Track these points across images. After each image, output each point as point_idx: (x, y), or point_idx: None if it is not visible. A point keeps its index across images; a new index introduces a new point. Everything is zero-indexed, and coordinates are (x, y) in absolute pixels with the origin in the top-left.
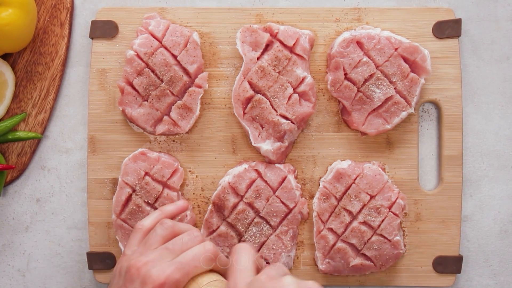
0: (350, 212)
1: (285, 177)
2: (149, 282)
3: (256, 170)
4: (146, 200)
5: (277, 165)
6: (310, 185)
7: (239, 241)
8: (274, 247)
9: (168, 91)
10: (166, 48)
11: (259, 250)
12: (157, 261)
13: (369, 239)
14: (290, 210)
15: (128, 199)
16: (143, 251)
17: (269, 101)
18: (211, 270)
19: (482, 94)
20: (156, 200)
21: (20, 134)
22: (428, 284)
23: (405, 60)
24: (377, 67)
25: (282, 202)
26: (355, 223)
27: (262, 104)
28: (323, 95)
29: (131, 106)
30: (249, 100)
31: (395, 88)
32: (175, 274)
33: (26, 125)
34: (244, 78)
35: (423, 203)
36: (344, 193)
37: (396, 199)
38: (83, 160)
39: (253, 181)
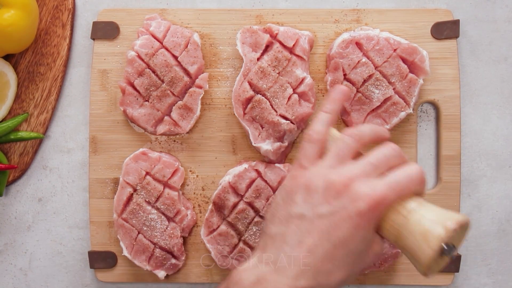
0: None
1: (285, 177)
2: (361, 199)
3: (256, 170)
4: (147, 200)
5: (277, 165)
6: None
7: (239, 240)
8: None
9: (168, 91)
10: (166, 49)
11: None
12: (364, 176)
13: None
14: None
15: (129, 198)
16: (335, 164)
17: (269, 101)
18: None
19: (480, 95)
20: (157, 199)
21: (22, 134)
22: (427, 283)
23: (404, 60)
24: (376, 67)
25: None
26: None
27: (262, 104)
28: (323, 96)
29: (132, 106)
30: (249, 100)
31: (394, 89)
32: (390, 194)
33: (28, 125)
34: (244, 79)
35: None
36: None
37: None
38: (85, 160)
39: (253, 181)
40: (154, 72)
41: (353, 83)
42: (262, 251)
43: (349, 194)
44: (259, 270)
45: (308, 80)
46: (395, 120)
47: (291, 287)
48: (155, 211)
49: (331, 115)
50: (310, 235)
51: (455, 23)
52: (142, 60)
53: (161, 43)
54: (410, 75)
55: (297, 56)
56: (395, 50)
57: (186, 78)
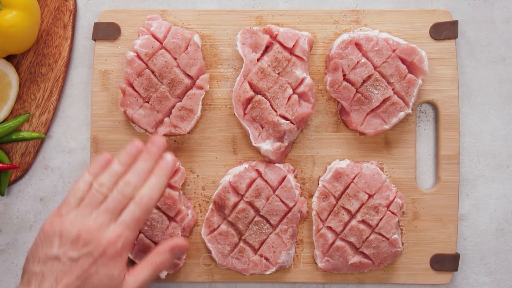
0: (348, 211)
1: (285, 177)
2: (102, 245)
3: (256, 170)
4: None
5: (277, 164)
6: (310, 185)
7: (240, 239)
8: (274, 245)
9: (168, 93)
10: (167, 50)
11: (259, 248)
12: (105, 224)
13: (367, 237)
14: (290, 209)
15: None
16: (86, 213)
17: (269, 101)
18: None
19: (478, 95)
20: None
21: (24, 134)
22: (426, 282)
23: (403, 61)
24: (375, 68)
25: (282, 201)
26: (353, 222)
27: (262, 104)
28: (322, 96)
29: (132, 107)
30: (249, 100)
31: (393, 89)
32: (125, 232)
33: (29, 125)
34: (245, 79)
35: (420, 202)
36: (343, 192)
37: (394, 198)
38: (86, 160)
39: (253, 181)
40: (153, 72)
41: (352, 84)
42: (27, 287)
43: (93, 242)
44: None
45: (308, 80)
46: (394, 120)
47: None
48: (156, 211)
49: (93, 177)
50: (65, 275)
51: (454, 24)
52: (142, 60)
53: (161, 43)
54: (409, 75)
55: (297, 56)
56: (394, 50)
57: (186, 80)
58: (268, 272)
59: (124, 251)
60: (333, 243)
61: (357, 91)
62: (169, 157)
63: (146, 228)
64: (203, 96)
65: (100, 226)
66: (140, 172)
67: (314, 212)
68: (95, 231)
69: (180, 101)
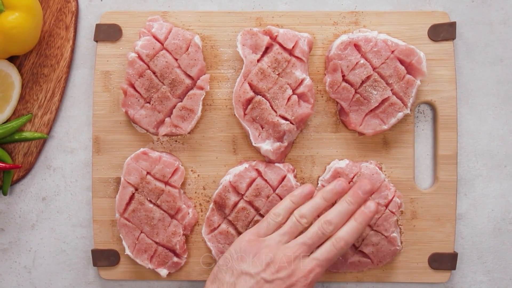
0: None
1: (285, 176)
2: (295, 275)
3: (256, 170)
4: (148, 199)
5: (276, 164)
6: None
7: None
8: None
9: (169, 94)
10: (168, 51)
11: None
12: (300, 254)
13: (366, 236)
14: None
15: (131, 198)
16: (283, 240)
17: (269, 102)
18: None
19: (476, 96)
20: (158, 197)
21: (26, 134)
22: (424, 280)
23: (401, 62)
24: (374, 69)
25: None
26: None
27: (262, 105)
28: (322, 96)
29: (134, 108)
30: (249, 101)
31: (391, 90)
32: (317, 268)
33: (32, 125)
34: (245, 80)
35: (419, 202)
36: None
37: (393, 197)
38: (88, 160)
39: (254, 180)
40: (154, 73)
41: (351, 84)
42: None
43: (287, 270)
44: None
45: (308, 81)
46: (392, 121)
47: None
48: (157, 209)
49: (295, 205)
50: None
51: (452, 25)
52: (143, 61)
53: (162, 44)
54: (408, 76)
55: (297, 57)
56: (392, 51)
57: (187, 81)
58: None
59: (311, 286)
60: None
61: (356, 92)
62: (372, 205)
63: (147, 227)
64: (203, 96)
65: (296, 257)
66: (343, 214)
67: None
68: (290, 260)
69: (181, 101)
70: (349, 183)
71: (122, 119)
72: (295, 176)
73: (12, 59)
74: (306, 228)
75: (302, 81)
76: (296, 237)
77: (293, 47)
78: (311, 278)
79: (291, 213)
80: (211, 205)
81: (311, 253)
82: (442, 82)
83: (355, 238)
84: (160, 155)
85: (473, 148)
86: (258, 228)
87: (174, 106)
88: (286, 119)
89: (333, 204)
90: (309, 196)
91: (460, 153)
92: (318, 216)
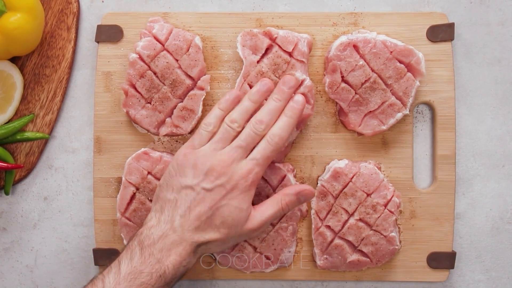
0: (346, 210)
1: (285, 176)
2: (234, 178)
3: None
4: (150, 198)
5: (276, 164)
6: (309, 184)
7: None
8: (274, 243)
9: (170, 94)
10: (168, 52)
11: (259, 246)
12: (237, 159)
13: (365, 235)
14: None
15: (132, 197)
16: (218, 148)
17: None
18: None
19: (474, 96)
20: None
21: (28, 134)
22: (423, 279)
23: (400, 63)
24: (373, 70)
25: None
26: (351, 220)
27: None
28: (321, 97)
29: (135, 108)
30: None
31: (390, 90)
32: (255, 168)
33: (34, 125)
34: (244, 81)
35: (417, 201)
36: (341, 191)
37: (392, 197)
38: (89, 160)
39: None
40: (155, 73)
41: (351, 85)
42: (160, 213)
43: (226, 175)
44: (162, 227)
45: (308, 82)
46: (391, 121)
47: (183, 240)
48: None
49: (224, 112)
50: (198, 203)
51: (450, 26)
52: (144, 61)
53: (163, 45)
54: (408, 74)
55: (296, 59)
56: (391, 52)
57: (187, 81)
58: (269, 270)
59: (253, 187)
60: (331, 241)
61: (355, 93)
62: (300, 98)
63: None
64: (204, 96)
65: (233, 161)
66: (272, 111)
67: (312, 211)
68: (228, 165)
69: (182, 101)
70: (348, 183)
71: (123, 119)
72: (294, 176)
73: (14, 59)
74: (239, 133)
75: (302, 82)
76: (230, 143)
77: (292, 48)
78: (251, 179)
79: (222, 120)
80: None
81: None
82: (441, 83)
83: (289, 133)
84: (161, 155)
85: (471, 148)
86: (192, 141)
87: (175, 107)
88: None
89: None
90: (237, 101)
91: (458, 153)
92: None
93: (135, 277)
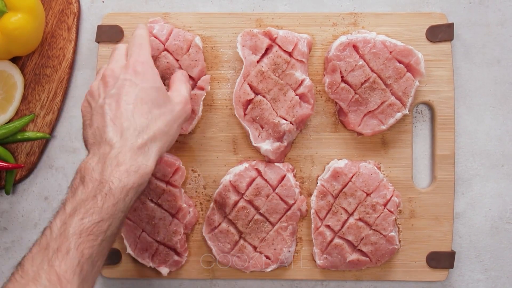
0: (346, 210)
1: (284, 176)
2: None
3: (256, 169)
4: (150, 198)
5: (276, 164)
6: (308, 184)
7: (240, 237)
8: (274, 242)
9: None
10: (169, 52)
11: (259, 246)
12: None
13: (365, 235)
14: (290, 207)
15: None
16: (123, 62)
17: (269, 103)
18: None
19: (473, 96)
20: (159, 197)
21: (28, 134)
22: (422, 279)
23: (400, 63)
24: (372, 70)
25: (282, 199)
26: (351, 220)
27: (262, 105)
28: (321, 97)
29: None
30: (249, 102)
31: (390, 90)
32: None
33: (34, 125)
34: (245, 81)
35: (417, 201)
36: (341, 191)
37: (391, 196)
38: None
39: (253, 180)
40: None
41: (350, 85)
42: (93, 144)
43: (121, 72)
44: (100, 151)
45: (307, 82)
46: (391, 121)
47: (126, 147)
48: (158, 208)
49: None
50: (117, 108)
51: (450, 27)
52: None
53: (164, 45)
54: (408, 74)
55: (296, 59)
56: (391, 52)
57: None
58: (268, 270)
59: (148, 68)
60: (331, 241)
61: (355, 93)
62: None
63: (148, 226)
64: (204, 96)
65: (118, 66)
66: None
67: (312, 211)
68: (117, 68)
69: None
70: (348, 183)
71: None
72: (294, 176)
73: (14, 60)
74: None
75: (302, 82)
76: None
77: (292, 49)
78: (140, 62)
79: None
80: (212, 204)
81: None
82: (440, 83)
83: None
84: None
85: (471, 148)
86: (110, 64)
87: None
88: (286, 119)
89: None
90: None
91: (458, 153)
92: None
93: (80, 208)
